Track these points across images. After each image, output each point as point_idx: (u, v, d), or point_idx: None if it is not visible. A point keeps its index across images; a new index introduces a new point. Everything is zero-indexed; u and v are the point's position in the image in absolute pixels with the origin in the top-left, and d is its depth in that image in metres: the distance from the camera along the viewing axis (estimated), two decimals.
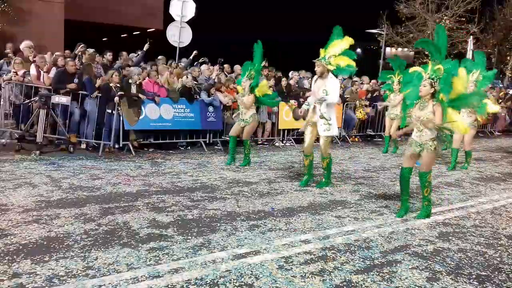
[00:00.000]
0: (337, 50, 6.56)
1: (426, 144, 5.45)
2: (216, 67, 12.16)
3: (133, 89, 8.89)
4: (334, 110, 6.84)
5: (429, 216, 5.68)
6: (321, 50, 6.68)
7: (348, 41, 6.58)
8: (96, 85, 8.75)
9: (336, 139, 12.32)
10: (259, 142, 11.17)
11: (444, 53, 5.48)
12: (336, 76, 7.11)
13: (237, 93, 8.78)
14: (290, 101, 11.24)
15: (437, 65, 5.41)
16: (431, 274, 4.07)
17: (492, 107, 9.48)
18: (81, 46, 10.42)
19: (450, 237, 5.09)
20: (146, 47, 11.35)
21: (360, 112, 12.67)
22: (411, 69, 5.91)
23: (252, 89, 8.06)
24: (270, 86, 10.85)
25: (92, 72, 9.06)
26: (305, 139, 6.93)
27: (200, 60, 12.58)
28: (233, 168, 8.12)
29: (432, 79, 5.38)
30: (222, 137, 10.47)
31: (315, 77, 6.87)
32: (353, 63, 6.62)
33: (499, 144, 13.75)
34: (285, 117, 11.20)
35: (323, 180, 7.09)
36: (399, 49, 34.96)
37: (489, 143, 14.23)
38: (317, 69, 6.67)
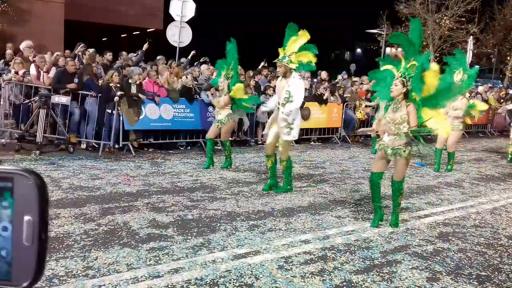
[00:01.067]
0: (296, 46, 6.29)
1: (399, 150, 4.98)
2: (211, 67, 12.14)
3: (133, 89, 8.89)
4: (298, 112, 6.51)
5: (397, 226, 5.27)
6: (280, 50, 6.42)
7: (305, 35, 6.31)
8: (100, 85, 8.78)
9: (336, 139, 12.33)
10: (259, 142, 11.16)
11: (418, 49, 5.07)
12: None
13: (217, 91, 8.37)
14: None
15: (410, 62, 5.00)
16: (431, 274, 4.07)
17: (481, 105, 9.34)
18: (81, 46, 10.43)
19: (450, 237, 5.09)
20: (145, 47, 11.35)
21: (360, 112, 12.67)
22: (383, 67, 5.42)
23: (230, 90, 7.80)
24: (249, 88, 10.78)
25: (92, 72, 9.06)
26: (267, 139, 6.70)
27: (201, 60, 12.57)
28: (233, 168, 8.12)
29: (405, 77, 4.97)
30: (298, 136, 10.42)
31: (279, 78, 6.62)
32: (314, 59, 6.34)
33: (499, 144, 13.74)
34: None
35: (282, 184, 6.70)
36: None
37: (489, 143, 14.23)
38: (279, 69, 6.45)
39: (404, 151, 4.96)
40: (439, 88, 4.98)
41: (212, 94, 10.02)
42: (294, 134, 6.46)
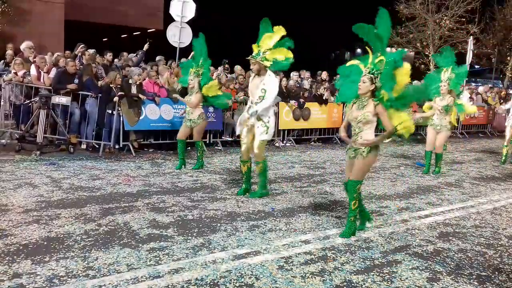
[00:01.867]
0: (271, 43, 6.02)
1: (360, 149, 4.70)
2: (221, 68, 12.14)
3: (133, 90, 8.89)
4: (272, 110, 6.30)
5: (354, 234, 4.86)
6: (254, 46, 6.11)
7: (280, 31, 6.03)
8: (99, 85, 8.78)
9: (336, 140, 12.33)
10: None
11: (386, 43, 4.67)
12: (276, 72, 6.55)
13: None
14: (290, 101, 11.24)
15: (378, 57, 4.63)
16: (431, 274, 4.07)
17: (470, 107, 9.03)
18: (81, 46, 10.43)
19: (450, 238, 5.09)
20: (146, 47, 11.36)
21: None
22: (349, 62, 5.05)
23: (200, 88, 7.48)
24: (220, 87, 10.66)
25: (92, 72, 9.07)
26: (242, 143, 6.29)
27: (222, 62, 12.58)
28: (233, 169, 8.12)
29: (373, 74, 4.60)
30: (222, 137, 10.48)
31: (252, 75, 6.29)
32: (291, 54, 6.07)
33: (499, 144, 13.72)
34: (285, 117, 11.20)
35: (257, 188, 6.39)
36: (399, 49, 34.95)
37: (490, 143, 14.24)
38: (253, 67, 6.11)
39: (364, 151, 4.67)
40: (408, 89, 4.71)
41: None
42: (271, 133, 6.22)
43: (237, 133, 6.58)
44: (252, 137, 6.17)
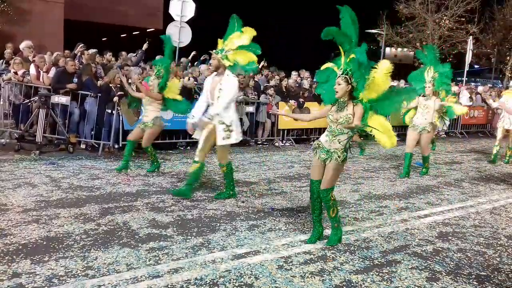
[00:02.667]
0: (236, 43, 5.71)
1: (334, 153, 4.42)
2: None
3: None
4: (234, 111, 5.85)
5: (340, 241, 4.66)
6: (219, 41, 5.80)
7: (250, 32, 5.73)
8: (99, 85, 8.78)
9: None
10: (259, 142, 11.17)
11: (356, 40, 4.39)
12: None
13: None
14: (290, 101, 11.24)
15: (350, 56, 4.41)
16: (430, 274, 4.07)
17: (459, 109, 8.62)
18: (80, 46, 10.43)
19: (449, 237, 5.09)
20: (145, 46, 11.36)
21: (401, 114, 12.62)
22: (323, 66, 4.83)
23: (161, 89, 7.04)
24: (248, 88, 10.52)
25: (92, 72, 9.07)
26: (199, 143, 5.93)
27: (202, 58, 12.56)
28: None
29: (347, 74, 4.36)
30: (241, 137, 10.42)
31: (212, 74, 5.99)
32: (255, 59, 5.80)
33: None
34: (285, 117, 11.19)
35: (224, 190, 6.17)
36: (399, 49, 34.99)
37: (489, 143, 14.23)
38: (212, 61, 5.82)
39: (339, 156, 4.40)
40: (387, 94, 4.43)
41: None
42: (236, 137, 5.83)
43: (194, 135, 6.08)
44: (212, 140, 5.82)
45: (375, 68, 4.43)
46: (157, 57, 8.89)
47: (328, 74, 4.69)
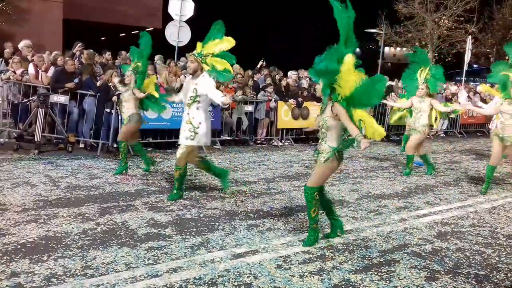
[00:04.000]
0: (216, 50, 5.70)
1: (321, 154, 4.40)
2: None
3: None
4: (207, 115, 5.81)
5: (316, 241, 4.56)
6: (198, 44, 5.80)
7: (229, 42, 5.74)
8: (98, 84, 8.77)
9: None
10: (258, 142, 11.17)
11: (342, 37, 4.25)
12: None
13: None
14: (289, 100, 11.24)
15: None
16: (429, 273, 4.07)
17: (441, 108, 8.08)
18: (79, 45, 10.42)
19: (448, 237, 5.09)
20: None
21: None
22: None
23: (139, 86, 6.96)
24: (247, 87, 10.38)
25: (93, 71, 9.07)
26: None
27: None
28: (232, 168, 8.11)
29: None
30: (221, 136, 10.47)
31: (188, 76, 5.92)
32: (231, 68, 5.80)
33: None
34: (284, 116, 11.19)
35: (174, 191, 5.95)
36: (398, 48, 35.00)
37: (488, 142, 14.23)
38: (190, 64, 5.75)
39: (324, 156, 4.35)
40: (360, 87, 4.20)
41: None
42: (199, 140, 5.71)
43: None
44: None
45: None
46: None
47: None
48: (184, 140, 5.70)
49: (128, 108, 6.99)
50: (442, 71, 8.20)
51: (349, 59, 4.20)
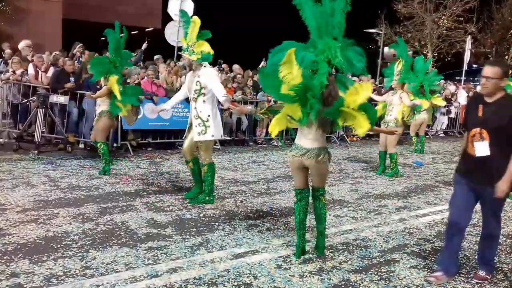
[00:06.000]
0: (194, 35, 5.57)
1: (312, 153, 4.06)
2: (215, 68, 12.12)
3: None
4: (215, 107, 5.67)
5: (322, 251, 4.31)
6: (183, 40, 5.74)
7: (196, 21, 5.58)
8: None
9: (334, 139, 12.33)
10: (258, 142, 11.17)
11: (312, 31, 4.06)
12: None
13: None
14: None
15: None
16: (429, 273, 4.07)
17: (407, 102, 7.84)
18: (78, 46, 10.41)
19: None
20: (144, 46, 11.35)
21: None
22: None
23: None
24: (247, 87, 10.29)
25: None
26: (184, 141, 5.91)
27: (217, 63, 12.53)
28: (232, 168, 8.12)
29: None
30: (221, 136, 10.45)
31: (189, 73, 5.89)
32: (211, 50, 5.64)
33: None
34: None
35: (204, 193, 5.84)
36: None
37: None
38: (185, 62, 5.68)
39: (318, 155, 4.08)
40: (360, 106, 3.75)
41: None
42: (213, 133, 5.59)
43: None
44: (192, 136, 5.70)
45: None
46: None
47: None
48: (197, 136, 5.58)
49: (99, 105, 6.91)
50: (424, 64, 7.97)
51: (291, 56, 3.79)
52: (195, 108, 5.57)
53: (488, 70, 3.57)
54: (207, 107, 5.56)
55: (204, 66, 5.62)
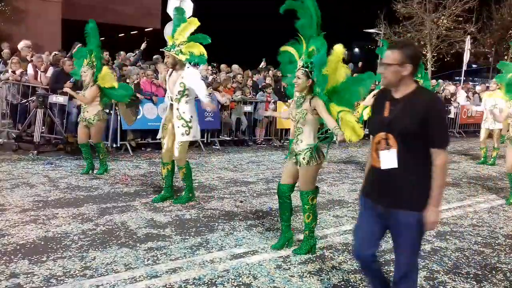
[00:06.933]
0: (186, 35, 5.51)
1: (301, 155, 4.14)
2: (209, 67, 12.11)
3: None
4: (195, 108, 5.63)
5: (311, 251, 4.31)
6: (168, 37, 5.62)
7: (194, 22, 5.54)
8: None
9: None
10: (258, 142, 11.17)
11: (315, 26, 4.02)
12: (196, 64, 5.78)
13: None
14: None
15: (311, 46, 4.05)
16: (429, 273, 4.08)
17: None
18: (78, 46, 10.39)
19: (447, 237, 5.10)
20: (143, 46, 11.36)
21: (358, 112, 12.66)
22: (283, 48, 4.43)
23: (95, 80, 6.69)
24: (246, 87, 10.32)
25: None
26: (163, 144, 5.80)
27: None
28: (231, 168, 8.11)
29: (307, 67, 4.04)
30: (220, 136, 10.47)
31: (169, 71, 5.71)
32: (205, 51, 5.57)
33: None
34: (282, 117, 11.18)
35: (183, 194, 5.89)
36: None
37: (487, 142, 14.25)
38: (167, 60, 5.56)
39: (304, 158, 4.12)
40: (345, 82, 3.97)
41: (210, 94, 9.78)
42: (194, 134, 5.59)
43: (158, 135, 5.94)
44: (174, 137, 5.62)
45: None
46: (78, 46, 8.14)
47: (288, 60, 4.36)
48: (181, 137, 5.52)
49: (92, 106, 6.72)
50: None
51: (339, 50, 3.94)
52: (178, 109, 5.49)
53: (386, 56, 2.68)
54: (189, 108, 5.52)
55: (188, 67, 5.53)
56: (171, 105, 5.58)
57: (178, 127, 5.52)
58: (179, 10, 5.72)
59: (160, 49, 5.82)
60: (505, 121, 7.17)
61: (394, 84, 2.69)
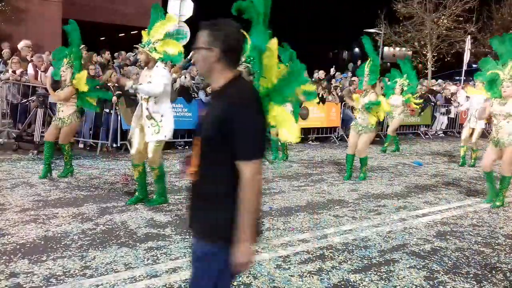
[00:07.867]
0: (163, 33, 5.36)
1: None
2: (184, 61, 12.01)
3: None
4: (168, 106, 5.45)
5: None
6: (144, 33, 5.44)
7: (172, 20, 5.45)
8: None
9: (334, 139, 12.33)
10: None
11: (262, 17, 3.49)
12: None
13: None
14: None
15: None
16: (428, 273, 4.07)
17: (385, 106, 7.51)
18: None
19: (447, 236, 5.10)
20: None
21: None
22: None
23: (73, 79, 6.57)
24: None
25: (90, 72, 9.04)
26: (133, 145, 5.59)
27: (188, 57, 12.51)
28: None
29: (249, 63, 3.88)
30: (171, 136, 10.37)
31: (144, 69, 5.58)
32: (182, 49, 5.46)
33: None
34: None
35: (155, 196, 5.68)
36: (397, 48, 35.01)
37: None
38: (140, 57, 5.43)
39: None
40: (282, 78, 3.55)
41: (194, 97, 9.43)
42: (165, 133, 5.36)
43: (129, 136, 5.69)
44: (144, 138, 5.41)
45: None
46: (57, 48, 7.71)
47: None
48: (150, 137, 5.29)
49: (67, 106, 6.55)
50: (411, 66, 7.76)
51: (275, 45, 3.54)
52: (147, 108, 5.31)
53: (197, 38, 2.11)
54: (159, 107, 5.33)
55: (157, 66, 5.33)
56: (141, 104, 5.40)
57: (148, 127, 5.31)
58: (156, 8, 5.53)
59: (134, 45, 5.59)
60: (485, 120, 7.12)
61: (206, 74, 2.15)
